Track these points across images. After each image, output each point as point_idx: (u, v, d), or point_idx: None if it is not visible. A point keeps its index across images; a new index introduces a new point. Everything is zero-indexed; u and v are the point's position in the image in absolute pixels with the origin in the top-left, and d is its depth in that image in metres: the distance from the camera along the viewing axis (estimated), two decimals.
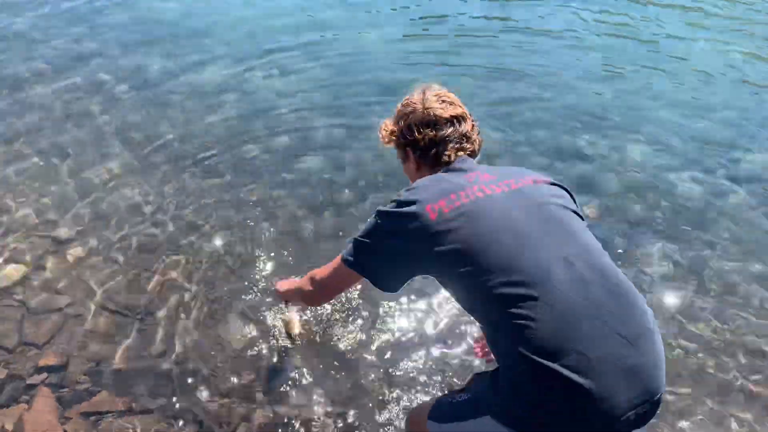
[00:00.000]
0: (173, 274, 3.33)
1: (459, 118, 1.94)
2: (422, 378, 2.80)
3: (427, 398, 2.69)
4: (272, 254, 3.44)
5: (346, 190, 3.94)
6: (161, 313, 3.11)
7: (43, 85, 4.95)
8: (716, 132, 4.71)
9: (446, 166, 1.91)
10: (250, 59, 5.46)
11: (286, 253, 3.46)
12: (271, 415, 2.67)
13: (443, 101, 1.95)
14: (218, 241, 3.55)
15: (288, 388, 2.77)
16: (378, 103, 4.80)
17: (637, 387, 1.49)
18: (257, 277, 3.30)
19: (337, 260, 1.94)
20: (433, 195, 1.73)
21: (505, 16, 6.48)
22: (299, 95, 4.95)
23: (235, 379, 2.81)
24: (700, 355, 2.99)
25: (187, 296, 3.20)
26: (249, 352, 2.92)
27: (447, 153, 1.91)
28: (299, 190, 3.94)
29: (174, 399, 2.72)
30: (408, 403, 2.69)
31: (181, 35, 5.87)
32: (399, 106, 2.04)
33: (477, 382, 1.88)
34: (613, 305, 1.56)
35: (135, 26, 6.00)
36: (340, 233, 3.60)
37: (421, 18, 6.39)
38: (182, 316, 3.10)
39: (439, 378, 2.81)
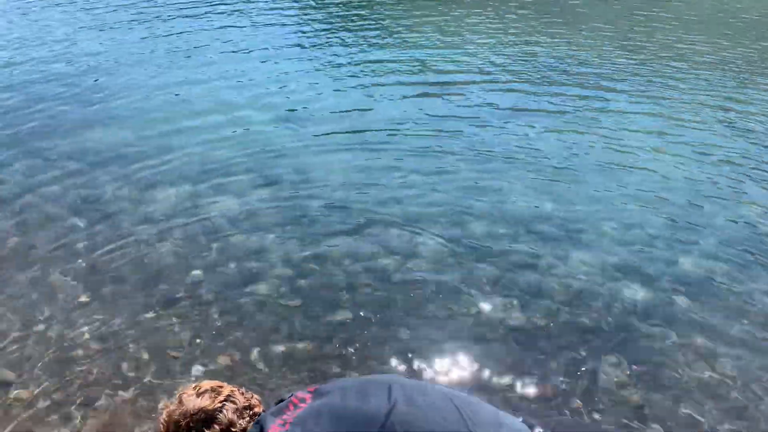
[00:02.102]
0: (119, 418, 3.21)
1: (228, 398, 1.94)
2: None
3: None
4: None
5: (300, 316, 3.96)
6: None
7: None
8: (657, 235, 4.92)
9: None
10: (198, 182, 5.54)
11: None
12: None
13: (203, 393, 1.94)
14: (166, 378, 3.47)
15: None
16: (334, 220, 4.94)
17: None
18: None
19: None
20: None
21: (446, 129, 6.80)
22: (251, 216, 5.02)
23: None
24: None
25: None
26: None
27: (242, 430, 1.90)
28: (251, 317, 3.94)
29: None
30: None
31: (126, 159, 5.91)
32: (163, 424, 1.97)
33: None
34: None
35: (80, 155, 6.02)
36: (293, 357, 3.59)
37: (363, 135, 6.66)
38: None
39: None
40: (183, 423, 1.88)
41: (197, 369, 3.51)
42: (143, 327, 3.82)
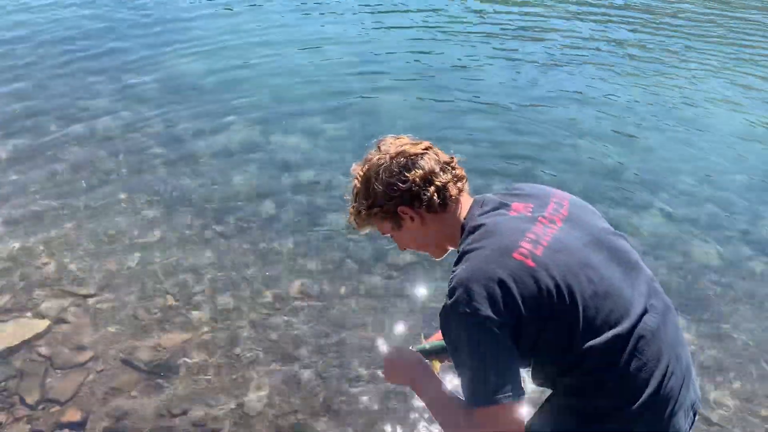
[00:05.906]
0: (194, 333, 3.34)
1: (428, 147, 1.75)
2: None
3: None
4: (296, 314, 3.46)
5: (369, 248, 3.99)
6: (183, 372, 3.11)
7: (75, 145, 5.04)
8: (734, 197, 4.75)
9: (455, 205, 1.73)
10: (273, 118, 5.60)
11: (308, 313, 3.48)
12: None
13: (403, 141, 1.77)
14: (238, 301, 3.57)
15: None
16: None
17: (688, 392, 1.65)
18: (276, 336, 3.31)
19: (486, 412, 1.50)
20: (507, 242, 1.57)
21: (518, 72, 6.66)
22: (321, 154, 5.05)
23: None
24: None
25: (207, 355, 3.21)
26: (269, 415, 2.90)
27: (443, 185, 1.71)
28: (323, 247, 4.00)
29: None
30: None
31: (206, 94, 6.03)
32: (359, 180, 1.79)
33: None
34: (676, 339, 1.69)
35: (161, 85, 6.16)
36: (360, 290, 3.64)
37: (434, 80, 6.57)
38: (203, 375, 3.10)
39: None
40: (383, 166, 1.72)
41: (266, 296, 3.60)
42: (214, 251, 3.93)
